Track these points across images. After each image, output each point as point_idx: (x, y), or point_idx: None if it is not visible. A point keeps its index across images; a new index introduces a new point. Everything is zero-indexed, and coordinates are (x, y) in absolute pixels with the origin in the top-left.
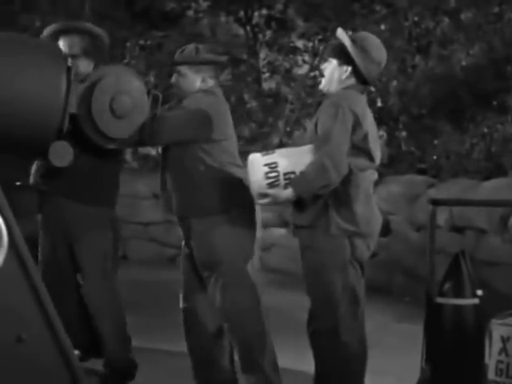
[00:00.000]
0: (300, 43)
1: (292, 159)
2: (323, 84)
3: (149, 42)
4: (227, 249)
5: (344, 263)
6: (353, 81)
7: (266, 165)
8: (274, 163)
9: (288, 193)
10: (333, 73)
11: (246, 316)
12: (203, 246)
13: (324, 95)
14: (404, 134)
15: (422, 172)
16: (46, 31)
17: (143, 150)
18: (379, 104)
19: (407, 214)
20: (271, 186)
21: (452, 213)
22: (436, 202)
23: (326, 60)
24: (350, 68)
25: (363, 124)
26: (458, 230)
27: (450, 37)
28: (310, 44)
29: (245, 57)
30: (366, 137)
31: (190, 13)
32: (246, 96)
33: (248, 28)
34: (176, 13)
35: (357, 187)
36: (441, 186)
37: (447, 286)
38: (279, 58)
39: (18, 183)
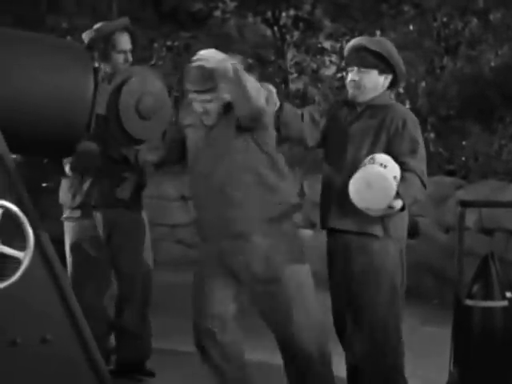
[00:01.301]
0: (327, 44)
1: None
2: (365, 94)
3: (176, 43)
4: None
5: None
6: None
7: (394, 177)
8: (396, 175)
9: (399, 203)
10: (376, 82)
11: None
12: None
13: (370, 105)
14: (432, 135)
15: (450, 173)
16: (111, 27)
17: None
18: (407, 105)
19: (436, 216)
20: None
21: (481, 214)
22: (465, 204)
23: (357, 70)
24: (390, 76)
25: None
26: (486, 231)
27: (478, 37)
28: (338, 45)
29: (272, 57)
30: None
31: (218, 13)
32: None
33: (275, 29)
34: (203, 14)
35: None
36: (469, 188)
37: (476, 288)
38: (307, 59)
39: (43, 185)
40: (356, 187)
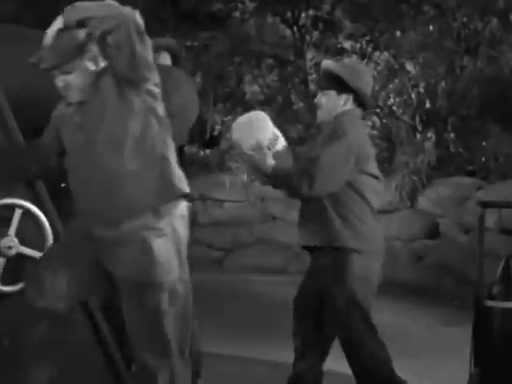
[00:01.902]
0: (347, 44)
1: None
2: (321, 116)
3: (195, 44)
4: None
5: None
6: (351, 107)
7: (276, 135)
8: (277, 136)
9: (270, 163)
10: (332, 103)
11: None
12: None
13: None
14: (452, 135)
15: (470, 174)
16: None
17: (189, 151)
18: (427, 105)
19: (455, 217)
20: (269, 145)
21: (501, 215)
22: (485, 205)
23: (319, 94)
24: (351, 96)
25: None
26: (507, 232)
27: (498, 37)
28: (358, 45)
29: (292, 58)
30: (368, 159)
31: (237, 14)
32: (292, 97)
33: (295, 29)
34: (222, 14)
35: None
36: (489, 188)
37: (496, 289)
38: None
39: (62, 185)
40: (239, 120)
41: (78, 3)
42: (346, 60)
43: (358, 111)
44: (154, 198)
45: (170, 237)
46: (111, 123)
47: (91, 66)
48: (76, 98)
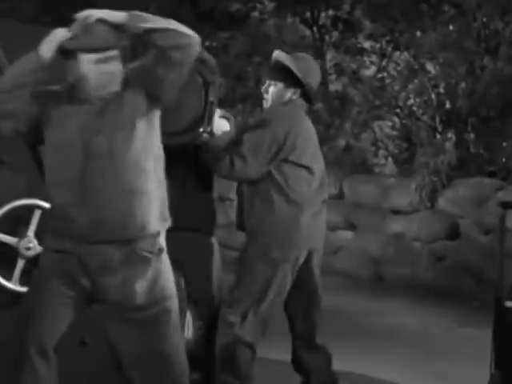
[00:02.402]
0: (367, 44)
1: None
2: (266, 105)
3: (214, 44)
4: None
5: None
6: (296, 100)
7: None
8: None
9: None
10: (279, 95)
11: None
12: None
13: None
14: (472, 136)
15: (490, 175)
16: None
17: None
18: (447, 106)
19: (476, 217)
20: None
21: None
22: (506, 205)
23: (267, 82)
24: (299, 90)
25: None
26: None
27: None
28: (378, 45)
29: None
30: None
31: (256, 14)
32: None
33: (314, 29)
34: (241, 14)
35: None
36: (510, 189)
37: None
38: (346, 60)
39: None
40: None
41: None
42: (298, 54)
43: (301, 103)
44: (161, 221)
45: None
46: (141, 139)
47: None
48: (111, 89)
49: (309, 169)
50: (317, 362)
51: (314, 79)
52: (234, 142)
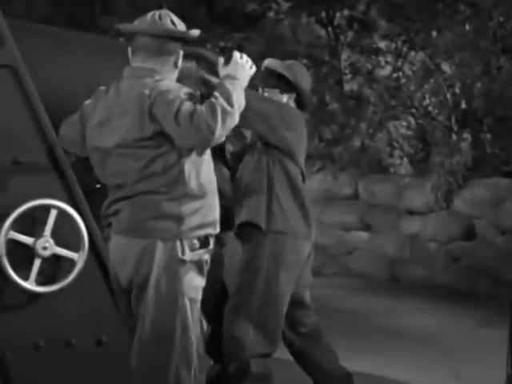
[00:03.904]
0: (382, 44)
1: None
2: None
3: (229, 44)
4: None
5: None
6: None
7: None
8: None
9: None
10: None
11: None
12: None
13: None
14: (489, 136)
15: (507, 175)
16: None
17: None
18: (463, 106)
19: (492, 218)
20: None
21: None
22: None
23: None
24: (293, 95)
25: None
26: None
27: None
28: (393, 45)
29: (326, 58)
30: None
31: (271, 14)
32: (327, 98)
33: (330, 29)
34: (257, 14)
35: None
36: None
37: None
38: (361, 59)
39: (97, 186)
40: None
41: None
42: (287, 61)
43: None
44: None
45: None
46: None
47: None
48: None
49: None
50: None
51: (305, 84)
52: None
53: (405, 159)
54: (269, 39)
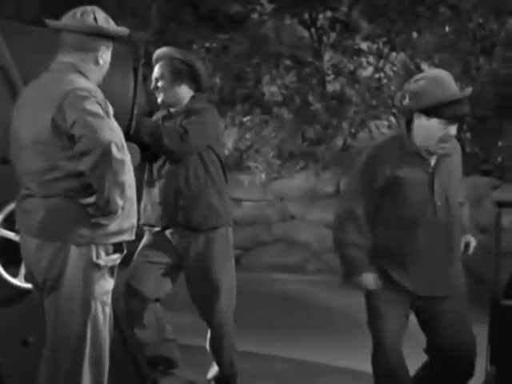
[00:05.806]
0: (364, 45)
1: None
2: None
3: (214, 45)
4: None
5: None
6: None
7: None
8: None
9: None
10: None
11: None
12: None
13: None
14: (468, 135)
15: (486, 173)
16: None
17: None
18: None
19: (471, 216)
20: None
21: None
22: (501, 204)
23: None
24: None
25: None
26: None
27: None
28: (375, 46)
29: (309, 59)
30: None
31: (255, 15)
32: (310, 98)
33: (313, 30)
34: (241, 16)
35: None
36: (505, 188)
37: None
38: (344, 60)
39: None
40: None
41: None
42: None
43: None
44: None
45: None
46: None
47: None
48: None
49: None
50: None
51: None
52: None
53: None
54: (253, 40)
